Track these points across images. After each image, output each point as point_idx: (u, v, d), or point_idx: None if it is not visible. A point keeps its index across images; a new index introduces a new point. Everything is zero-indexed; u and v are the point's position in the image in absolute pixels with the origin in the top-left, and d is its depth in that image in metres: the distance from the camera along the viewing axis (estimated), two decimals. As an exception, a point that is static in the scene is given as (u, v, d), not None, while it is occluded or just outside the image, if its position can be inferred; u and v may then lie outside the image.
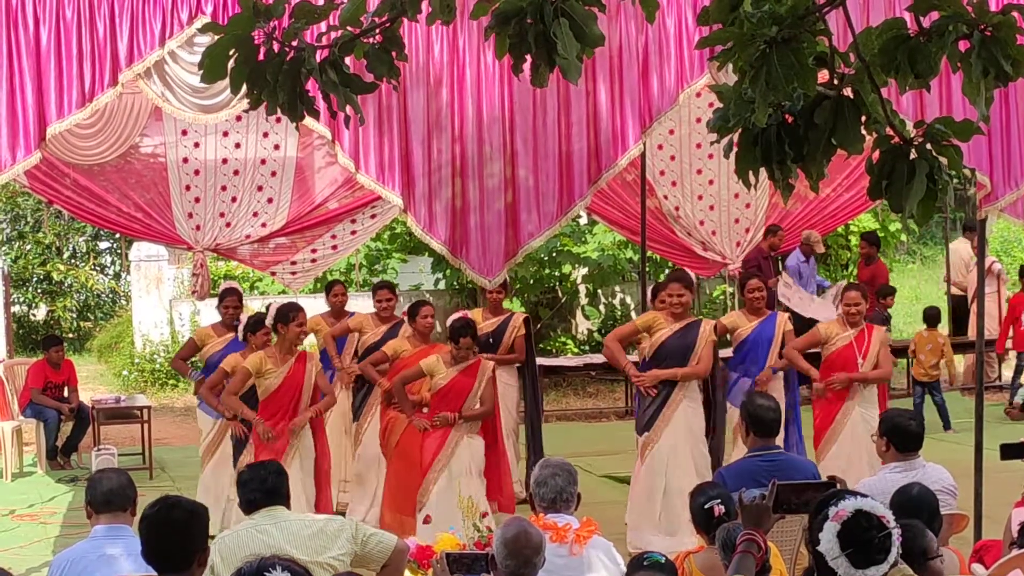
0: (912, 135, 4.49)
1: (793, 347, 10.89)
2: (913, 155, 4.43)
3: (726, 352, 11.83)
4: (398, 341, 10.87)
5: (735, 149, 4.67)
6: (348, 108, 5.32)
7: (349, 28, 5.24)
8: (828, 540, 4.31)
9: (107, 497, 5.98)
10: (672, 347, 10.12)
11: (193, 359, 12.17)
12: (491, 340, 11.89)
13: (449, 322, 10.29)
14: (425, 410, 10.06)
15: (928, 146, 4.43)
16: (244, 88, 5.19)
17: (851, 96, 4.51)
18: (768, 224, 15.22)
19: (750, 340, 11.07)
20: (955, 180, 4.49)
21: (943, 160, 4.43)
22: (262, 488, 6.25)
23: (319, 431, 10.14)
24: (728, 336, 11.39)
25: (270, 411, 9.75)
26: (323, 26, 5.57)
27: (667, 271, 19.53)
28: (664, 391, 10.13)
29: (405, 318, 11.29)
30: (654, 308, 11.11)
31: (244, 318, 10.60)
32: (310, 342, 12.97)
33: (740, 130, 4.58)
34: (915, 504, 5.98)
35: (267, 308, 10.27)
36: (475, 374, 9.88)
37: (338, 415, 11.94)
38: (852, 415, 10.48)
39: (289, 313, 9.82)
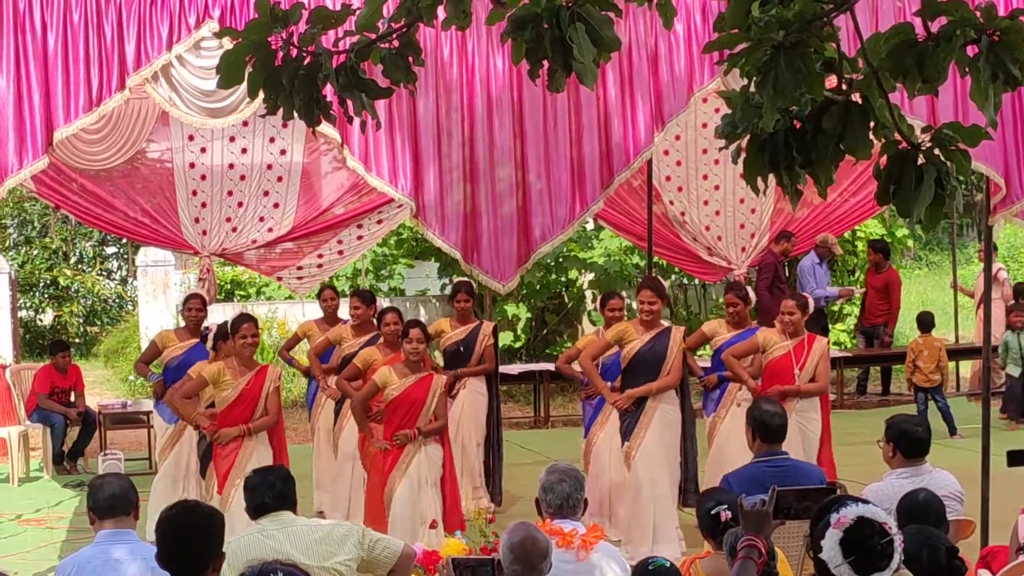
0: (920, 140, 4.49)
1: (731, 353, 10.63)
2: (921, 160, 4.42)
3: (704, 362, 11.86)
4: (369, 351, 10.67)
5: (743, 155, 4.67)
6: (364, 113, 5.32)
7: (366, 33, 5.24)
8: (830, 548, 4.30)
9: (110, 503, 5.96)
10: (645, 357, 10.05)
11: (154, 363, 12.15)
12: (461, 349, 11.77)
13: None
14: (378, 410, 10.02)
15: (936, 151, 4.42)
16: (257, 93, 5.19)
17: (859, 101, 4.50)
18: (780, 230, 15.22)
19: (723, 349, 10.95)
20: (963, 185, 4.48)
21: (951, 165, 4.42)
22: (270, 493, 6.25)
23: (277, 436, 10.10)
24: (708, 344, 11.28)
25: (226, 423, 9.71)
26: (340, 31, 5.58)
27: (673, 276, 19.65)
28: (640, 401, 10.08)
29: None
30: (604, 317, 11.09)
31: (214, 326, 10.54)
32: (299, 347, 12.99)
33: (748, 136, 4.58)
34: (921, 510, 5.98)
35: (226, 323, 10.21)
36: (427, 388, 9.71)
37: (324, 431, 11.97)
38: (789, 425, 10.34)
39: (236, 325, 9.78)
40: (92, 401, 15.66)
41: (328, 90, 5.20)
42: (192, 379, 9.89)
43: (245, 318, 9.90)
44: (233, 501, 9.29)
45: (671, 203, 14.38)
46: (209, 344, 10.36)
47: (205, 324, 11.48)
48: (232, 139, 13.32)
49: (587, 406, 11.18)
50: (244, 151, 13.47)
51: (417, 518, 9.53)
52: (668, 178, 14.19)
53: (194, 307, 11.69)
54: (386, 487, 9.64)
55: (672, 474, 10.16)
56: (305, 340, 12.59)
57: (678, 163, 14.18)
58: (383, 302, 18.51)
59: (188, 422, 10.11)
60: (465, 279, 11.78)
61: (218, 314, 20.02)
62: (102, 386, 20.66)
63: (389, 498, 9.62)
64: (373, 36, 5.26)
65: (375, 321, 11.31)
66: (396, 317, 10.76)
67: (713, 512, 6.29)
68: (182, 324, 12.25)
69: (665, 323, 10.48)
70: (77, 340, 24.58)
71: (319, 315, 12.74)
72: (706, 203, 14.43)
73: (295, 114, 5.20)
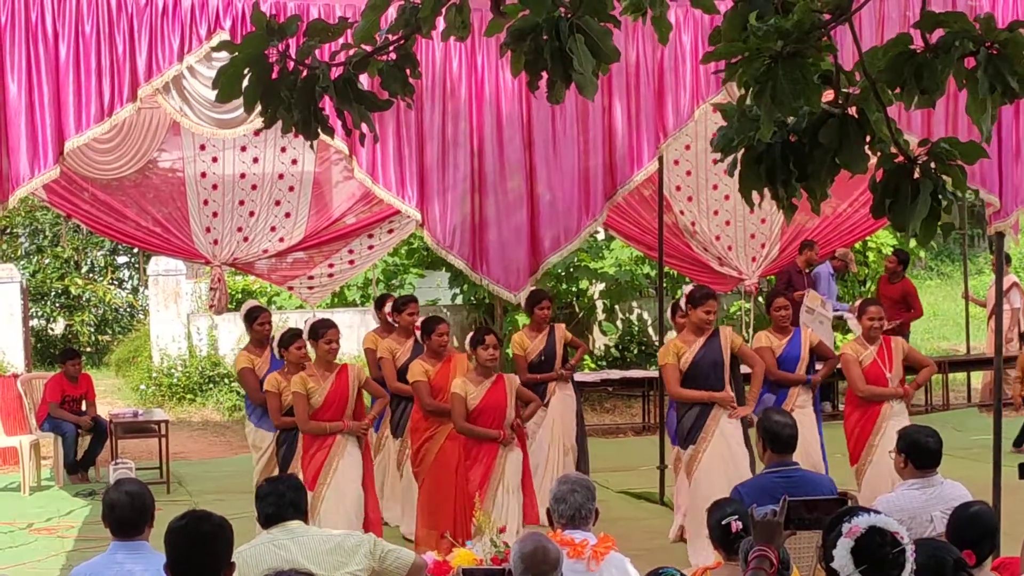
0: (916, 154, 4.49)
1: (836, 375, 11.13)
2: (917, 174, 4.42)
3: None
4: (421, 367, 10.47)
5: (739, 168, 4.67)
6: (363, 126, 5.33)
7: (363, 46, 5.24)
8: (842, 557, 4.30)
9: (121, 527, 5.84)
10: (705, 364, 10.03)
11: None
12: (543, 358, 11.75)
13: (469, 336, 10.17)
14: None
15: (932, 165, 4.42)
16: (253, 106, 5.20)
17: (856, 115, 4.50)
18: (801, 239, 15.21)
19: (780, 359, 10.98)
20: (959, 199, 4.47)
21: (947, 179, 4.42)
22: (280, 502, 6.26)
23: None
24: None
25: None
26: (337, 44, 5.58)
27: (684, 287, 19.61)
28: (704, 408, 10.04)
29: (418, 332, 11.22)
30: (675, 324, 11.04)
31: (279, 334, 10.57)
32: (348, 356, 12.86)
33: (744, 148, 4.58)
34: (970, 522, 5.98)
35: (305, 323, 10.29)
36: (504, 389, 9.78)
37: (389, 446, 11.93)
38: (886, 429, 10.38)
39: (319, 330, 9.88)
40: (103, 410, 15.67)
41: (327, 102, 5.20)
42: (273, 392, 10.07)
43: (328, 323, 10.03)
44: (324, 499, 9.57)
45: (681, 213, 14.38)
46: (276, 352, 10.42)
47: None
48: (243, 149, 13.35)
49: (672, 414, 11.11)
50: (256, 160, 13.51)
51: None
52: (678, 188, 14.19)
53: (266, 320, 11.66)
54: (484, 499, 9.56)
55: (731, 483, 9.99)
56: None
57: (688, 173, 14.18)
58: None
59: (331, 432, 9.83)
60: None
61: (230, 323, 20.10)
62: (113, 395, 20.68)
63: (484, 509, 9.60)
64: (370, 48, 5.27)
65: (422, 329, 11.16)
66: (447, 327, 10.78)
67: (723, 523, 6.30)
68: (246, 340, 12.06)
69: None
70: (88, 349, 24.59)
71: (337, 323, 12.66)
72: (716, 213, 14.43)
73: (293, 127, 5.20)
